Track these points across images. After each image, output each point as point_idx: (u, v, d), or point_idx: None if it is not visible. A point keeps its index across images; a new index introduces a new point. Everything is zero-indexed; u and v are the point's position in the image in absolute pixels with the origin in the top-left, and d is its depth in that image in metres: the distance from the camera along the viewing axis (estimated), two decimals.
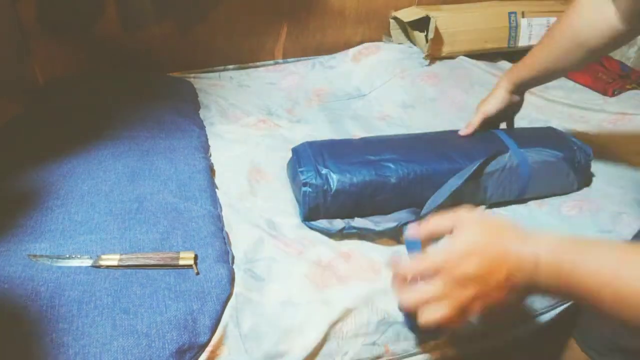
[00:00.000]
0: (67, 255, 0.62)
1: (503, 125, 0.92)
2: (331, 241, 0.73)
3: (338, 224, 0.73)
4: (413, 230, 0.52)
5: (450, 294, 0.46)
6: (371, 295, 0.64)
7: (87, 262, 0.61)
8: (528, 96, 1.11)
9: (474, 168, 0.73)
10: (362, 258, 0.70)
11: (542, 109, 1.07)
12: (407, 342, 0.65)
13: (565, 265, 0.42)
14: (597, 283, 0.41)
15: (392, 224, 0.70)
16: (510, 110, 0.88)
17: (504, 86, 0.85)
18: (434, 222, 0.50)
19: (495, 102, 0.86)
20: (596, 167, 0.90)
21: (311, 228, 0.73)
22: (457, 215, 0.49)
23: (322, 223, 0.73)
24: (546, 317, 0.72)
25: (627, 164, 0.91)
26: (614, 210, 0.80)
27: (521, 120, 1.02)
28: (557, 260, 0.43)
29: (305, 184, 0.71)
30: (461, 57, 1.25)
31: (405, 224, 0.66)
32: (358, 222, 0.73)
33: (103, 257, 0.62)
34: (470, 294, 0.45)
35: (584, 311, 0.71)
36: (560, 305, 0.72)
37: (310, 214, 0.72)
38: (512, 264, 0.44)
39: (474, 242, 0.46)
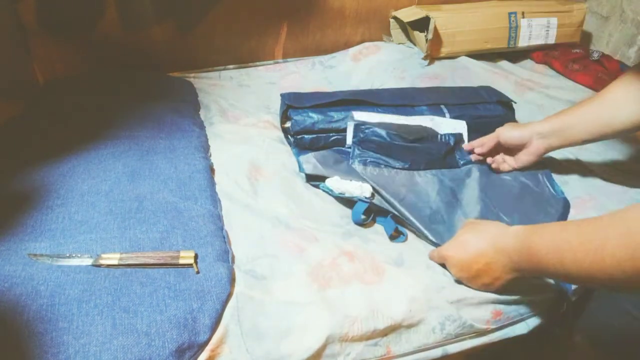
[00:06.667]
0: (67, 254, 0.62)
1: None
2: (334, 240, 0.73)
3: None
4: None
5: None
6: (374, 298, 0.64)
7: (87, 261, 0.61)
8: (529, 94, 1.12)
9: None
10: (365, 258, 0.70)
11: (542, 108, 1.07)
12: (408, 343, 0.65)
13: (528, 246, 0.58)
14: (552, 250, 0.55)
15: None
16: (522, 153, 0.84)
17: (535, 126, 0.82)
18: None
19: (516, 135, 0.82)
20: (596, 165, 0.90)
21: (313, 186, 0.83)
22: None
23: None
24: (545, 317, 0.71)
25: (627, 163, 0.91)
26: (614, 210, 0.79)
27: (521, 120, 1.02)
28: (523, 245, 0.59)
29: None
30: (461, 57, 1.25)
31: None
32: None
33: (103, 256, 0.62)
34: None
35: (589, 307, 0.71)
36: (559, 305, 0.72)
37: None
38: (489, 258, 0.63)
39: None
